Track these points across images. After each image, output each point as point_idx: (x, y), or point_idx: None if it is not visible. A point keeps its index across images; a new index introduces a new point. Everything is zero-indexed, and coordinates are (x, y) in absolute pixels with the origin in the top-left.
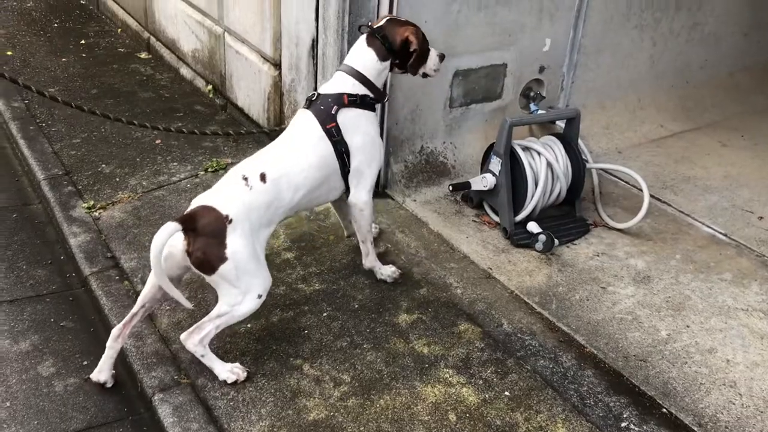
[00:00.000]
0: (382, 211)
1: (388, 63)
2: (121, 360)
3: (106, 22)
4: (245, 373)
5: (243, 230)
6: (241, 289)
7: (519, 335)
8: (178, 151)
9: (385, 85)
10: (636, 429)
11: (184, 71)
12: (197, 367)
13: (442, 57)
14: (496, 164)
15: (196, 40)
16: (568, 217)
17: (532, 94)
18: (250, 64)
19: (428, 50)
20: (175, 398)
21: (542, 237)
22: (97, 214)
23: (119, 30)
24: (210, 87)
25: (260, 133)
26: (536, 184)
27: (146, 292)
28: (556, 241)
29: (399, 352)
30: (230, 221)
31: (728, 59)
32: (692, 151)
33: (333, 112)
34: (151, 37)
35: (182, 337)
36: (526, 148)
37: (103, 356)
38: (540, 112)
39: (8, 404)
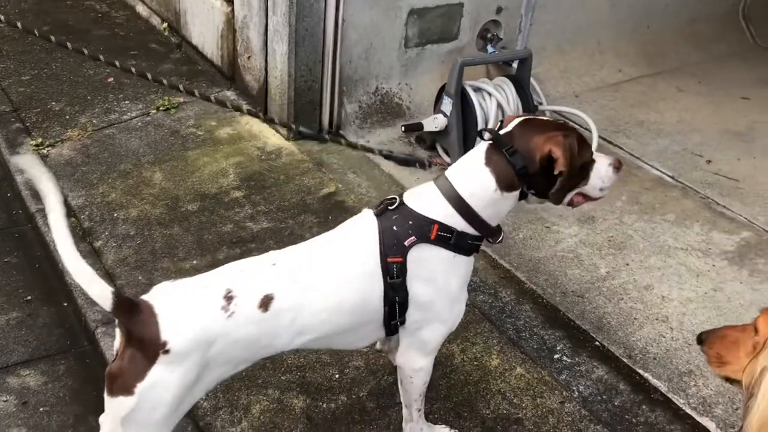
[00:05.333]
0: (334, 152)
1: (514, 194)
2: (66, 295)
3: None
4: None
5: (182, 369)
6: None
7: None
8: (130, 89)
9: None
10: (568, 360)
11: (140, 9)
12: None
13: (618, 167)
14: (447, 105)
15: None
16: None
17: (489, 35)
18: (203, 0)
19: (591, 162)
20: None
21: None
22: (45, 151)
23: None
24: (165, 25)
25: (215, 72)
26: (486, 125)
27: None
28: None
29: None
30: (166, 351)
31: (690, 5)
32: (649, 96)
33: (407, 243)
34: None
35: None
36: (477, 89)
37: None
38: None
39: None
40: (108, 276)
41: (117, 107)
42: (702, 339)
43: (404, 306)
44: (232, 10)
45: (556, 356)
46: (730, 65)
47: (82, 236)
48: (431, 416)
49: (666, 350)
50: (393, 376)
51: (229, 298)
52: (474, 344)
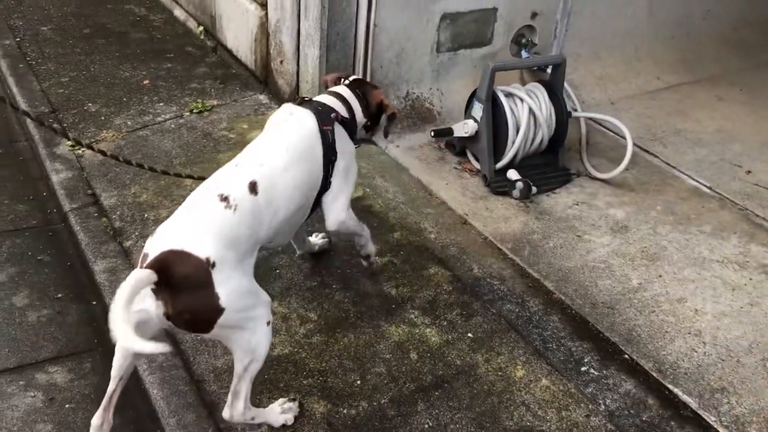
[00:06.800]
0: (364, 156)
1: (363, 122)
2: (96, 294)
3: None
4: (297, 406)
5: (230, 267)
6: (250, 327)
7: (488, 279)
8: (165, 91)
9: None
10: (595, 373)
11: (178, 12)
12: None
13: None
14: (478, 110)
15: None
16: (551, 166)
17: (523, 41)
18: (238, 4)
19: None
20: None
21: (519, 184)
22: (80, 152)
23: None
24: (201, 28)
25: (249, 75)
26: (517, 131)
27: (119, 363)
28: (534, 189)
29: (367, 292)
30: (213, 265)
31: (732, 12)
32: (687, 104)
33: (332, 116)
34: None
35: (226, 415)
36: (509, 94)
37: None
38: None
39: None
40: None
41: (151, 109)
42: None
43: (330, 172)
44: (266, 14)
45: (583, 368)
46: None
47: (112, 236)
48: (451, 426)
49: (698, 365)
50: (415, 384)
51: (225, 198)
52: (499, 354)
